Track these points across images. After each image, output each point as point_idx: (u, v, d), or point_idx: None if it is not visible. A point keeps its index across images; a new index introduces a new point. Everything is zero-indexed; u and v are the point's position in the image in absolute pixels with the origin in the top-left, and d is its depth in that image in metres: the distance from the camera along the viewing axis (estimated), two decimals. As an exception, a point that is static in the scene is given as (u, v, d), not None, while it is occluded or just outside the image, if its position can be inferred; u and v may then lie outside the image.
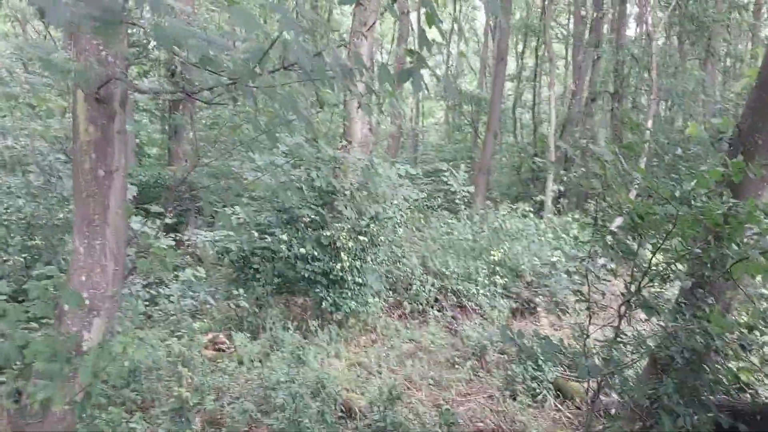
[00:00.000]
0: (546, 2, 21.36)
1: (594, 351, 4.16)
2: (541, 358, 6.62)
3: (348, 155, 9.21)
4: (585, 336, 4.18)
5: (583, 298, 4.10)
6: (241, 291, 8.10)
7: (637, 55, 18.53)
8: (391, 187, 8.90)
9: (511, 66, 26.84)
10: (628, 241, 4.00)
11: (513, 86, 27.40)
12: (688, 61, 20.34)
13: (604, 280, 4.16)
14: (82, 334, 3.72)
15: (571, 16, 25.86)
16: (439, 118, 37.53)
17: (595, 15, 21.42)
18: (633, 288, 3.90)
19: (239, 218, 8.88)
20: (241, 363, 7.44)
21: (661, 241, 3.57)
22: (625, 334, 4.02)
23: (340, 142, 9.51)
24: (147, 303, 6.99)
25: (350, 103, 10.13)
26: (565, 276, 11.03)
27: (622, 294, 3.95)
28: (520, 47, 28.71)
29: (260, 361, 7.47)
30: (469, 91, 28.70)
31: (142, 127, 14.31)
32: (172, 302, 7.08)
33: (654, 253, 3.64)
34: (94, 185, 3.70)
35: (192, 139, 15.24)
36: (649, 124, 16.07)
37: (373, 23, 10.37)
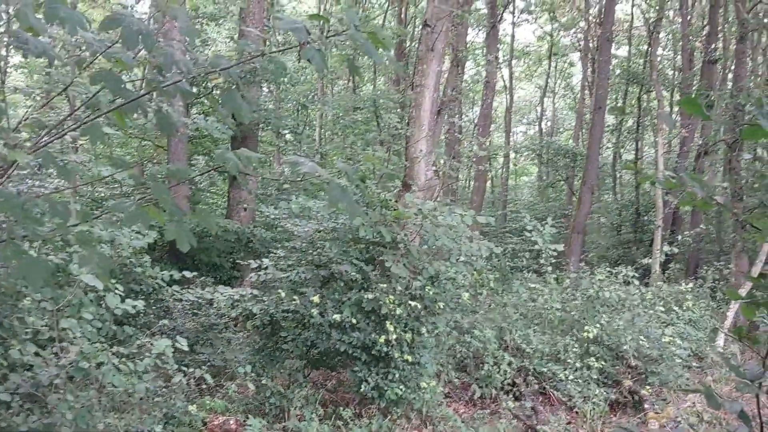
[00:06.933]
0: (651, 41, 19.35)
1: None
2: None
3: (407, 200, 7.51)
4: None
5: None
6: (248, 368, 6.39)
7: (760, 101, 16.02)
8: (454, 239, 7.08)
9: (609, 120, 24.60)
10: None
11: (612, 140, 25.07)
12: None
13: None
14: None
15: (677, 61, 23.54)
16: (533, 176, 35.43)
17: (705, 58, 19.12)
18: None
19: (267, 273, 7.27)
20: (246, 463, 5.72)
21: None
22: None
23: (392, 184, 7.87)
24: (126, 374, 5.43)
25: (412, 140, 8.51)
26: (680, 361, 8.72)
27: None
28: (619, 104, 26.44)
29: (271, 462, 5.72)
30: (564, 145, 26.65)
31: (185, 172, 13.15)
32: (142, 379, 5.45)
33: None
34: None
35: (251, 187, 14.02)
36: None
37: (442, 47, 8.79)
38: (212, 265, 12.98)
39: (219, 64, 1.87)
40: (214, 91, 12.29)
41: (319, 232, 7.40)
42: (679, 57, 23.25)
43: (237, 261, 10.63)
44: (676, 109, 22.86)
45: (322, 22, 1.99)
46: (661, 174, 16.11)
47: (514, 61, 28.73)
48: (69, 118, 2.01)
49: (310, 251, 7.37)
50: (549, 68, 29.85)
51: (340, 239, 7.27)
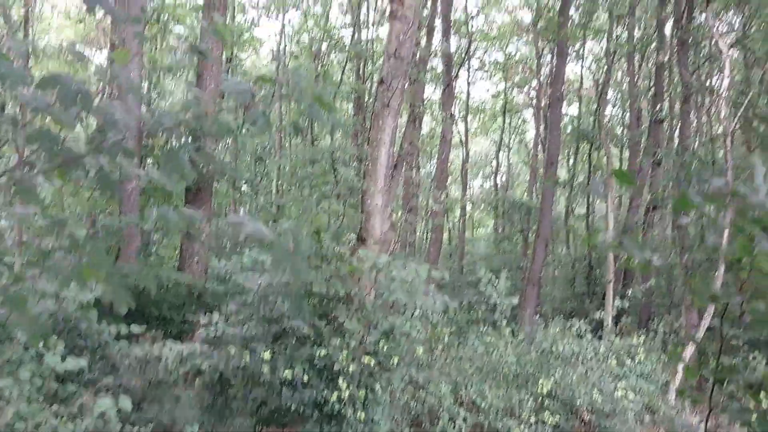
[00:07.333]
0: (600, 101, 20.05)
1: None
2: None
3: (361, 254, 7.49)
4: None
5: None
6: (196, 427, 6.18)
7: (704, 159, 16.68)
8: (410, 293, 7.07)
9: (562, 174, 25.22)
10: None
11: (565, 195, 25.65)
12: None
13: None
14: None
15: (626, 119, 24.38)
16: (489, 228, 35.87)
17: (652, 118, 19.89)
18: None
19: (217, 329, 7.12)
20: None
21: None
22: None
23: (347, 239, 7.87)
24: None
25: (368, 194, 8.55)
26: (633, 414, 8.77)
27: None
28: (571, 161, 27.16)
29: None
30: (519, 198, 27.14)
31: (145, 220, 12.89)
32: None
33: None
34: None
35: (206, 239, 13.83)
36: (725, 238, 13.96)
37: (398, 104, 8.93)
38: (162, 318, 12.63)
39: (163, 122, 1.87)
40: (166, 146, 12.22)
41: (272, 286, 7.30)
42: (627, 115, 24.12)
43: (187, 315, 10.41)
44: (625, 166, 23.54)
45: (271, 82, 2.02)
46: (609, 234, 16.48)
47: (469, 117, 29.34)
48: (4, 175, 1.96)
49: (262, 306, 7.25)
50: (503, 124, 30.55)
51: (292, 294, 7.18)
